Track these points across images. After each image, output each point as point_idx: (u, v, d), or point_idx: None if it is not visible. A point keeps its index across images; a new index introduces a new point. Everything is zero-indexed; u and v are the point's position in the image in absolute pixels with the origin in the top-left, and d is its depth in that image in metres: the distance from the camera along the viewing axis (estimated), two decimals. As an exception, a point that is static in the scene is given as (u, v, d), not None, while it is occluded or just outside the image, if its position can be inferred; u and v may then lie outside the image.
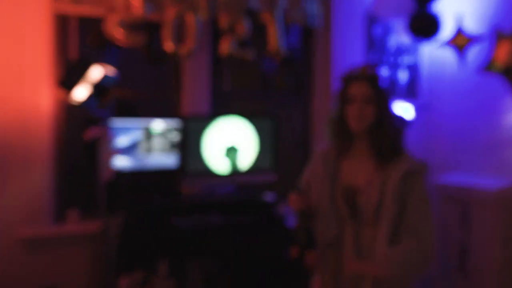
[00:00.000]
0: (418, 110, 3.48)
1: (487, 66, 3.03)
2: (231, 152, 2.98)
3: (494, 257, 3.07)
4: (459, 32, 3.30)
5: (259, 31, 3.03)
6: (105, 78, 2.67)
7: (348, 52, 3.42)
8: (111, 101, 2.73)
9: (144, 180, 3.09)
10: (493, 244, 3.08)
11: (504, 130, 3.14)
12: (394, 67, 3.62)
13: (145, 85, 3.23)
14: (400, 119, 1.62)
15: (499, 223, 3.04)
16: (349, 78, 1.55)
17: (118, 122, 2.86)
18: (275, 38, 3.00)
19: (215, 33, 3.15)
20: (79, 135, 2.83)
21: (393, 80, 3.57)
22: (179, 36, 2.93)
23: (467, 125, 3.42)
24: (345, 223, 1.57)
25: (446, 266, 3.35)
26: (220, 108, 3.36)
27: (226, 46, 2.97)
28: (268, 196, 3.06)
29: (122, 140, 2.86)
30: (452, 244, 3.37)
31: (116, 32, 2.79)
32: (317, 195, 1.60)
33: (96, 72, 2.66)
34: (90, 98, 2.63)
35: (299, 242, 1.52)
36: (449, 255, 3.37)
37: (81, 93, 2.65)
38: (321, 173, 1.61)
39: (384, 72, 3.56)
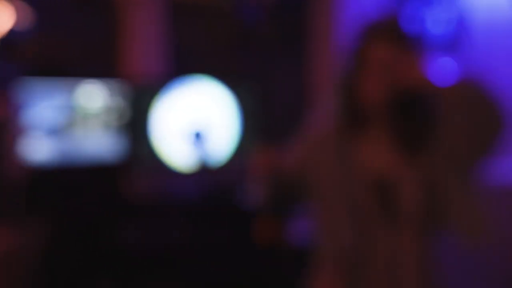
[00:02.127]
0: (461, 70, 3.11)
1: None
2: (199, 140, 2.79)
3: None
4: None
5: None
6: (16, 25, 2.47)
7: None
8: (23, 58, 2.55)
9: (74, 176, 2.81)
10: None
11: None
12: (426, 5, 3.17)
13: (73, 36, 2.92)
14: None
15: None
16: (367, 34, 1.46)
17: (33, 89, 2.59)
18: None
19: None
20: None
21: (424, 27, 3.23)
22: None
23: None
24: (373, 230, 1.45)
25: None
26: (183, 69, 3.00)
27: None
28: (249, 197, 2.73)
29: (40, 118, 2.60)
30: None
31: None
32: (324, 191, 1.49)
33: (3, 18, 2.43)
34: None
35: (264, 215, 1.49)
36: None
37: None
38: (330, 161, 1.49)
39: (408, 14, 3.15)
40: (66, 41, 2.90)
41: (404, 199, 1.43)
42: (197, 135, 2.76)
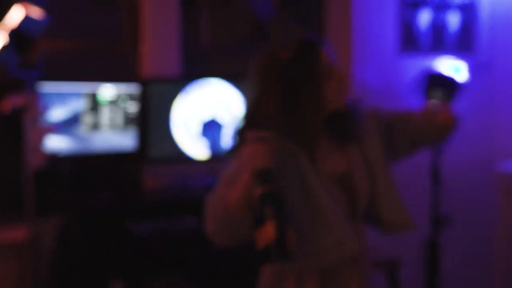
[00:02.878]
0: (474, 70, 3.23)
1: None
2: (211, 128, 2.84)
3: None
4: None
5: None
6: (30, 23, 2.37)
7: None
8: (38, 57, 2.48)
9: (89, 168, 2.84)
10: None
11: None
12: (440, 8, 3.29)
13: (88, 35, 2.92)
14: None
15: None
16: (317, 44, 1.49)
17: (50, 87, 2.62)
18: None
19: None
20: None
21: (438, 27, 3.28)
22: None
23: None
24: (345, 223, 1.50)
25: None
26: (196, 69, 3.09)
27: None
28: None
29: (57, 113, 2.63)
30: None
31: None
32: (314, 200, 1.45)
33: (15, 15, 2.33)
34: (8, 51, 2.33)
35: (270, 218, 1.24)
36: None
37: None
38: (304, 167, 1.45)
39: (425, 15, 3.34)
40: (82, 42, 2.91)
41: (358, 189, 1.49)
42: (210, 125, 2.82)
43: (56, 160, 2.58)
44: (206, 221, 1.35)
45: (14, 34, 2.28)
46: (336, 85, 1.47)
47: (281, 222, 1.24)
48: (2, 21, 2.28)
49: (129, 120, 2.77)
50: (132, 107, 2.75)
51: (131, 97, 2.75)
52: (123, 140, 2.78)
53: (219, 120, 2.84)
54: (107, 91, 2.70)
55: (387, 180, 1.55)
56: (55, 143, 2.58)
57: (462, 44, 3.40)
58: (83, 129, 2.67)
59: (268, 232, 1.22)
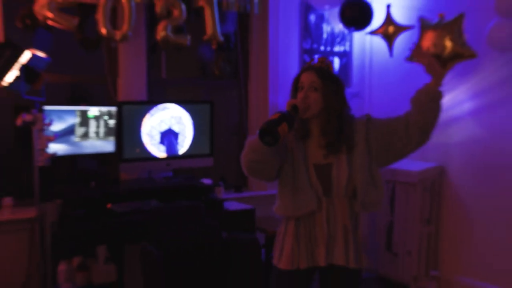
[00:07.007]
0: (349, 98, 3.24)
1: (409, 56, 3.04)
2: (168, 136, 2.92)
3: (416, 234, 3.14)
4: (388, 21, 3.25)
5: (196, 16, 2.94)
6: (36, 61, 2.52)
7: (283, 39, 3.38)
8: (42, 86, 2.59)
9: (80, 166, 2.97)
10: (415, 222, 3.14)
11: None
12: (327, 54, 3.59)
13: (79, 71, 3.07)
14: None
15: (421, 201, 3.12)
16: (303, 68, 1.65)
17: (51, 107, 2.70)
18: (212, 24, 2.89)
19: (151, 18, 2.98)
20: (10, 120, 2.67)
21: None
22: (114, 20, 2.78)
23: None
24: (319, 198, 1.64)
25: (375, 245, 3.41)
26: (157, 95, 3.23)
27: (162, 31, 2.80)
28: (205, 181, 3.03)
29: (57, 125, 2.71)
30: (380, 224, 3.42)
31: (47, 14, 2.57)
32: (295, 170, 1.63)
33: (25, 55, 2.49)
34: (20, 82, 2.47)
35: (283, 114, 1.51)
36: (377, 235, 3.44)
37: (9, 76, 2.48)
38: (295, 150, 1.64)
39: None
40: (75, 76, 3.01)
41: (333, 177, 1.62)
42: (167, 133, 2.95)
43: (56, 160, 2.66)
44: (242, 159, 1.59)
45: (25, 69, 2.45)
46: (299, 97, 1.59)
47: (284, 118, 1.48)
48: (17, 61, 2.43)
49: (109, 131, 2.90)
50: (112, 122, 2.88)
51: (111, 115, 2.89)
52: (105, 145, 2.91)
53: (174, 130, 2.98)
54: (93, 110, 2.84)
55: (366, 176, 1.60)
56: (56, 147, 2.71)
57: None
58: (76, 137, 2.80)
59: (274, 116, 1.50)
